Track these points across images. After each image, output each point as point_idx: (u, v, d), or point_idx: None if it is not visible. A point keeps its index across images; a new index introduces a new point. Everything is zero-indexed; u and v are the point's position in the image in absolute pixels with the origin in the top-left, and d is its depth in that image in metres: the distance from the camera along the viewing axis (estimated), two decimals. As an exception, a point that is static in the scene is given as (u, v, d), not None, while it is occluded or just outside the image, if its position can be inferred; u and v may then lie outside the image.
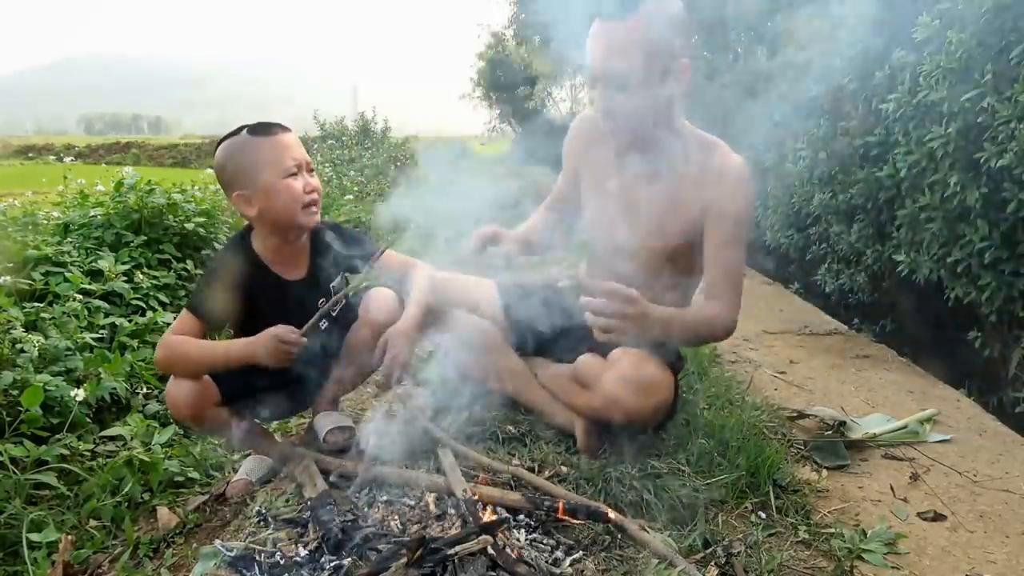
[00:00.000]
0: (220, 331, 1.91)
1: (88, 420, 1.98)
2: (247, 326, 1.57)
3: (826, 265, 3.42)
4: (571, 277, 1.48)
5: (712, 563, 1.23)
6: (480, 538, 1.16)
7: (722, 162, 1.54)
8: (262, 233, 1.61)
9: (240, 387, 1.58)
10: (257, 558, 1.22)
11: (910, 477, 1.69)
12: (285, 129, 1.59)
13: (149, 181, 3.42)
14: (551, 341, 1.77)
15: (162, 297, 2.87)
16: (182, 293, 2.97)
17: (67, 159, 5.73)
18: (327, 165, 9.29)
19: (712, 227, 1.54)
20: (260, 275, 1.61)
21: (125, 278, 2.75)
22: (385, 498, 1.42)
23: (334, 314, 1.68)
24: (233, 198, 1.57)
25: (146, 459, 1.74)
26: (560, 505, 1.32)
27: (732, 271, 1.55)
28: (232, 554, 1.24)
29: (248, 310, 1.60)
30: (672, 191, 1.57)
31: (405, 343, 1.55)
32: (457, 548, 1.13)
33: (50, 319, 2.30)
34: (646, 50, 1.41)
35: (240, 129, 1.57)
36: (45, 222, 3.16)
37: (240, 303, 1.59)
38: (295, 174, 1.54)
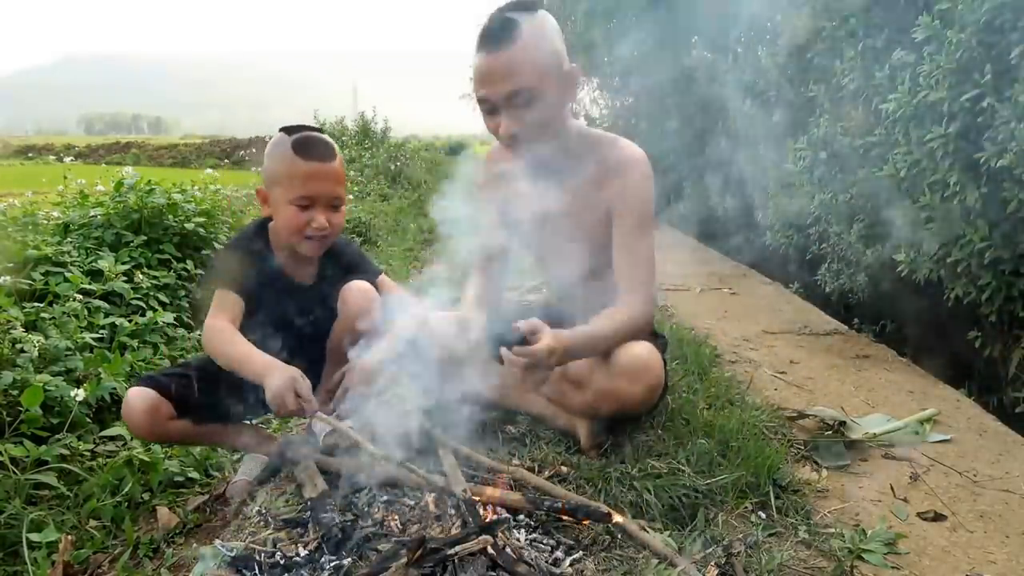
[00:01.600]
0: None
1: (88, 420, 1.98)
2: (248, 315, 1.57)
3: (826, 265, 3.42)
4: (525, 310, 1.48)
5: (712, 563, 1.23)
6: (480, 538, 1.16)
7: (622, 155, 1.60)
8: (276, 229, 1.62)
9: (194, 402, 1.53)
10: (257, 558, 1.22)
11: (910, 477, 1.69)
12: (327, 158, 1.52)
13: (149, 181, 3.42)
14: None
15: (162, 297, 2.86)
16: (182, 293, 2.97)
17: (67, 159, 5.74)
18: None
19: (618, 219, 1.59)
20: (268, 270, 1.61)
21: (125, 278, 2.74)
22: (385, 498, 1.42)
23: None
24: (258, 189, 1.59)
25: (146, 459, 1.74)
26: (562, 505, 1.32)
27: (641, 260, 1.59)
28: (232, 554, 1.24)
29: (252, 300, 1.59)
30: (583, 192, 1.61)
31: (363, 379, 1.50)
32: (457, 548, 1.13)
33: (50, 319, 2.30)
34: (538, 63, 1.45)
35: (298, 128, 1.54)
36: (45, 222, 3.15)
37: (248, 290, 1.58)
38: (306, 207, 1.51)
